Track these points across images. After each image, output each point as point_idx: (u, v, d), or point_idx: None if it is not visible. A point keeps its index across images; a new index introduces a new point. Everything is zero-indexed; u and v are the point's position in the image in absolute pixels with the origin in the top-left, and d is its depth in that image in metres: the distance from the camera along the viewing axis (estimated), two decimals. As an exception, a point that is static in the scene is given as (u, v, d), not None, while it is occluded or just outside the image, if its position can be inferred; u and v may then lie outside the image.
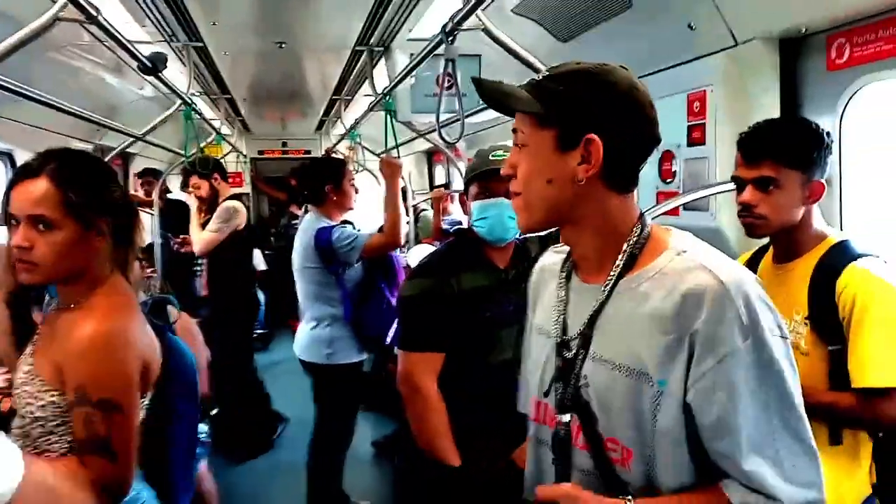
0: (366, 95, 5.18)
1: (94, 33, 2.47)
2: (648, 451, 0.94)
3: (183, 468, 1.73)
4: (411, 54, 3.33)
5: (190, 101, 3.52)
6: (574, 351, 1.02)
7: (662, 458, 0.93)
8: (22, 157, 4.02)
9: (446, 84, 2.13)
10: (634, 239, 1.00)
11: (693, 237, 1.03)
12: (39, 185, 1.30)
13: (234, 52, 3.48)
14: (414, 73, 3.15)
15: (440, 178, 7.37)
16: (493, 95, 1.02)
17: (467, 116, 2.42)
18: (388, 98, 3.16)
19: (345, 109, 5.53)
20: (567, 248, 1.12)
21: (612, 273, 1.00)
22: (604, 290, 1.00)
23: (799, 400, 0.91)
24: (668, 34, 2.23)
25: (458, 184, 6.28)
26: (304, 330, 3.12)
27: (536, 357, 1.14)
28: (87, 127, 4.62)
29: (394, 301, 3.17)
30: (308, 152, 8.91)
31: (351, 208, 3.25)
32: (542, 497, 0.94)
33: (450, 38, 1.84)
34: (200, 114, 4.19)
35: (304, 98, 5.63)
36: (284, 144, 8.88)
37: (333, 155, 7.02)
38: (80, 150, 1.43)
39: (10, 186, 1.33)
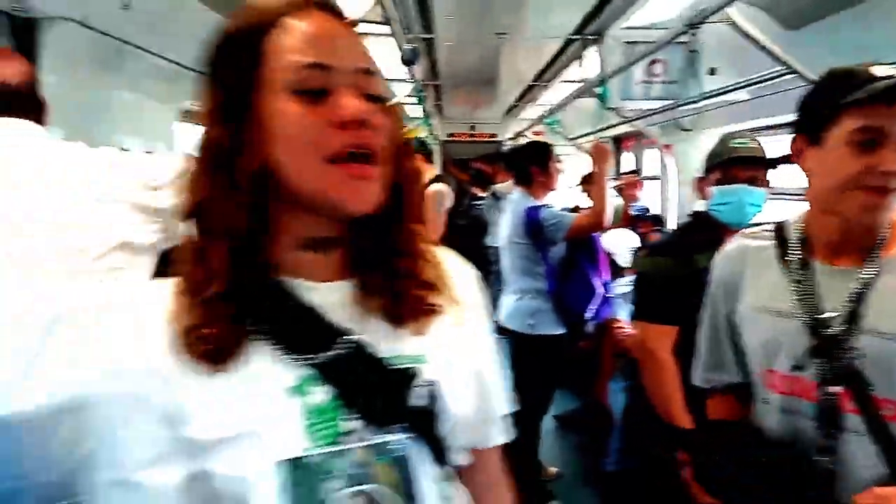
0: (564, 82, 5.32)
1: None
2: None
3: None
4: (624, 42, 3.43)
5: (421, 88, 3.88)
6: (838, 328, 1.12)
7: None
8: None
9: (679, 74, 2.21)
10: (887, 225, 1.12)
11: None
12: None
13: (456, 43, 3.78)
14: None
15: (627, 165, 7.29)
16: None
17: (691, 103, 2.48)
18: (604, 85, 3.28)
19: (541, 95, 5.70)
20: (767, 234, 1.27)
21: (872, 255, 1.12)
22: (867, 271, 1.12)
23: None
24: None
25: (648, 170, 6.21)
26: (509, 300, 3.35)
27: (762, 335, 1.24)
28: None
29: (594, 281, 3.31)
30: (493, 136, 9.20)
31: (555, 189, 3.42)
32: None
33: (693, 31, 1.93)
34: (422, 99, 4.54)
35: (502, 84, 5.87)
36: (472, 128, 9.23)
37: (526, 139, 7.24)
38: None
39: None
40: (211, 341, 0.65)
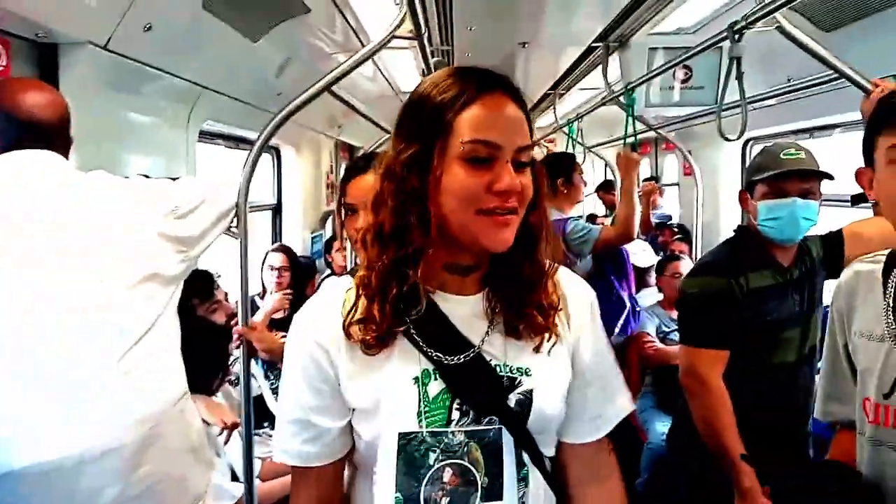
0: (581, 89, 5.24)
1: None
2: None
3: None
4: (649, 48, 3.35)
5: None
6: None
7: None
8: (285, 150, 4.62)
9: (723, 81, 2.13)
10: None
11: None
12: (368, 179, 1.54)
13: (475, 54, 3.71)
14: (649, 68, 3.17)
15: (645, 172, 7.21)
16: None
17: (725, 109, 2.40)
18: (631, 93, 3.20)
19: (558, 102, 5.62)
20: (881, 258, 1.19)
21: None
22: None
23: None
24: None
25: (668, 178, 6.12)
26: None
27: (868, 363, 1.17)
28: (327, 122, 5.15)
29: (623, 294, 3.23)
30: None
31: (580, 201, 3.34)
32: None
33: (737, 36, 1.85)
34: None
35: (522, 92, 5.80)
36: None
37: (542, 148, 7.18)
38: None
39: (345, 182, 1.57)
40: (370, 332, 0.89)
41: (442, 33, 3.25)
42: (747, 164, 1.81)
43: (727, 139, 2.14)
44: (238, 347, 2.05)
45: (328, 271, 4.35)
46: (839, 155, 3.27)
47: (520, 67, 4.33)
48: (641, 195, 5.31)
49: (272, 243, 4.29)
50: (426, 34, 3.21)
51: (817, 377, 1.64)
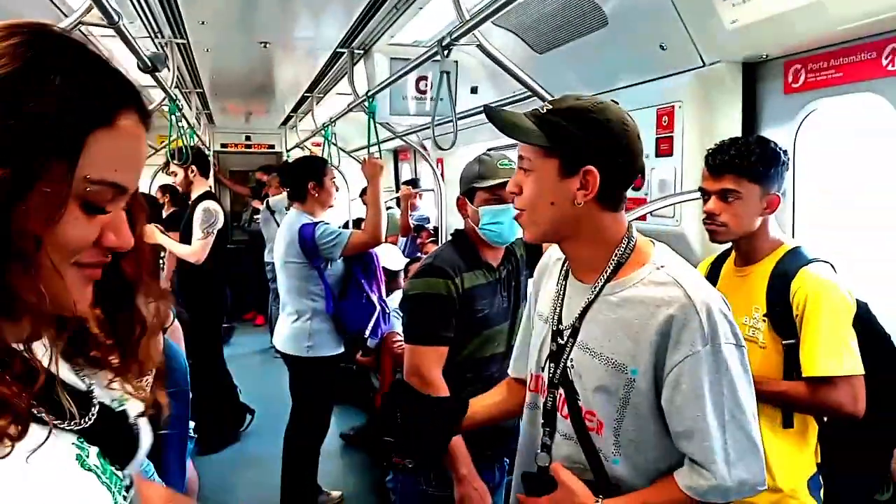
0: (339, 94, 5.26)
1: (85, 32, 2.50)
2: (616, 424, 1.15)
3: (177, 465, 1.82)
4: (391, 58, 3.46)
5: (174, 97, 3.55)
6: (565, 339, 1.23)
7: (630, 432, 1.14)
8: None
9: (436, 93, 2.25)
10: (622, 250, 1.19)
11: (671, 252, 1.23)
12: None
13: (215, 50, 3.52)
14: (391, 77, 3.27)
15: (405, 176, 7.48)
16: (506, 125, 1.19)
17: (449, 122, 2.55)
18: (371, 100, 3.26)
19: (316, 106, 5.58)
20: None
21: (601, 277, 1.20)
22: (593, 291, 1.20)
23: (748, 400, 1.11)
24: (641, 52, 2.41)
25: (425, 182, 6.40)
26: (285, 323, 3.20)
27: (536, 339, 1.34)
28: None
29: (373, 296, 3.28)
30: (272, 147, 8.87)
31: (332, 205, 3.34)
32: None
33: (445, 52, 1.96)
34: (181, 108, 4.20)
35: (274, 94, 5.66)
36: (248, 138, 8.82)
37: (306, 151, 7.06)
38: None
39: None
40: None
41: (172, 25, 3.02)
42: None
43: (441, 148, 2.27)
44: None
45: None
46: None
47: (267, 68, 4.22)
48: (400, 198, 5.52)
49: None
50: (152, 25, 2.97)
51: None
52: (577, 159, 1.13)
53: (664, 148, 2.38)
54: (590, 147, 1.13)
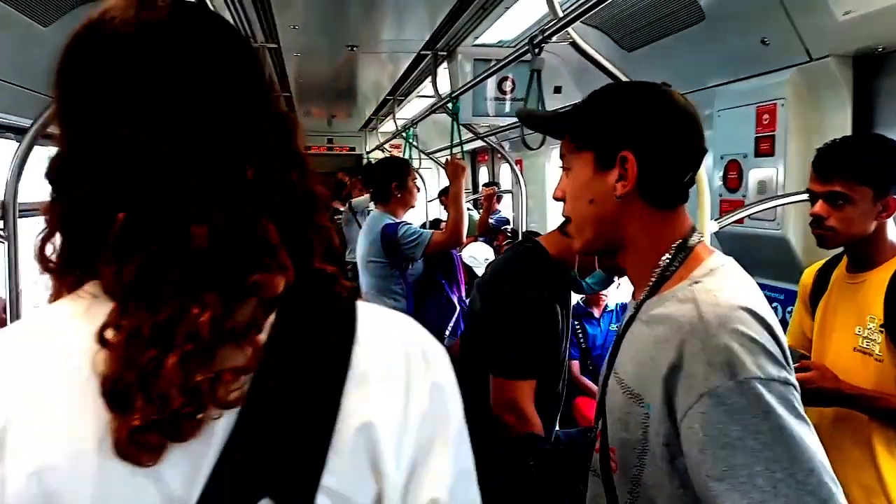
0: (419, 96, 5.31)
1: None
2: (632, 467, 0.93)
3: None
4: (475, 59, 3.46)
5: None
6: (608, 366, 1.05)
7: (648, 477, 0.91)
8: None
9: (526, 92, 2.23)
10: (668, 260, 0.97)
11: (730, 264, 0.97)
12: None
13: (304, 54, 3.63)
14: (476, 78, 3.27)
15: (483, 178, 7.49)
16: (540, 124, 1.13)
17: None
18: (455, 101, 3.27)
19: (397, 108, 5.66)
20: None
21: (643, 292, 0.99)
22: (634, 309, 1.01)
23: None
24: (740, 48, 2.30)
25: (505, 184, 6.38)
26: (367, 321, 3.24)
27: None
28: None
29: (453, 296, 3.29)
30: (353, 149, 9.08)
31: (413, 206, 3.37)
32: None
33: (536, 50, 1.94)
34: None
35: (357, 97, 5.78)
36: (330, 141, 9.05)
37: (385, 153, 7.18)
38: None
39: None
40: None
41: (265, 30, 3.14)
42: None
43: (530, 148, 2.24)
44: None
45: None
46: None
47: (355, 71, 4.32)
48: (482, 199, 5.52)
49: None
50: (245, 29, 3.09)
51: None
52: (610, 146, 0.96)
53: (764, 147, 2.26)
54: (621, 129, 0.97)
